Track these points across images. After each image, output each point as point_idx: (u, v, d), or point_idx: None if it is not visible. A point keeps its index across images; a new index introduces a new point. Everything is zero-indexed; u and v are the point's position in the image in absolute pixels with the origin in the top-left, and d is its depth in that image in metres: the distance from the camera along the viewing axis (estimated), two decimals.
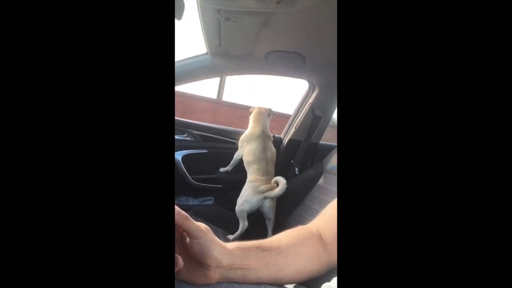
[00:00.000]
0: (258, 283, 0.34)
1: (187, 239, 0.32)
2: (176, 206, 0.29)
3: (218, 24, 0.91)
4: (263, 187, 1.13)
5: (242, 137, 1.31)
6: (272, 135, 1.36)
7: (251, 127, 1.33)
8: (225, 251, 0.33)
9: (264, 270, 0.34)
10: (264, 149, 1.24)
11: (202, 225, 0.32)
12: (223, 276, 0.33)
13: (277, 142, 1.47)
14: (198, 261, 0.31)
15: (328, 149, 1.34)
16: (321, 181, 1.14)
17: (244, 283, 0.33)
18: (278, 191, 1.10)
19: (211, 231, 0.33)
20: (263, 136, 1.27)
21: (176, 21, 0.64)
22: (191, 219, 0.31)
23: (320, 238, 0.40)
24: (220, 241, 0.33)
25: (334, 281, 0.36)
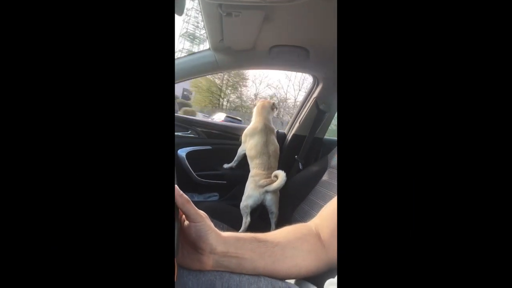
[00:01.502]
0: (256, 275, 0.34)
1: (185, 223, 0.33)
2: (178, 189, 0.30)
3: (220, 19, 0.90)
4: (262, 181, 1.14)
5: (245, 132, 1.32)
6: (276, 130, 1.35)
7: (253, 121, 1.33)
8: (220, 238, 0.33)
9: (259, 260, 0.34)
10: (266, 143, 1.24)
11: (201, 211, 0.33)
12: (217, 263, 0.33)
13: (281, 137, 1.47)
14: (194, 245, 0.32)
15: (332, 144, 1.34)
16: (325, 176, 1.13)
17: (241, 273, 0.34)
18: (276, 184, 1.10)
19: (209, 218, 0.34)
20: (265, 130, 1.26)
21: (177, 16, 0.63)
22: (192, 203, 0.32)
23: (318, 235, 0.40)
24: (216, 229, 0.34)
25: None
